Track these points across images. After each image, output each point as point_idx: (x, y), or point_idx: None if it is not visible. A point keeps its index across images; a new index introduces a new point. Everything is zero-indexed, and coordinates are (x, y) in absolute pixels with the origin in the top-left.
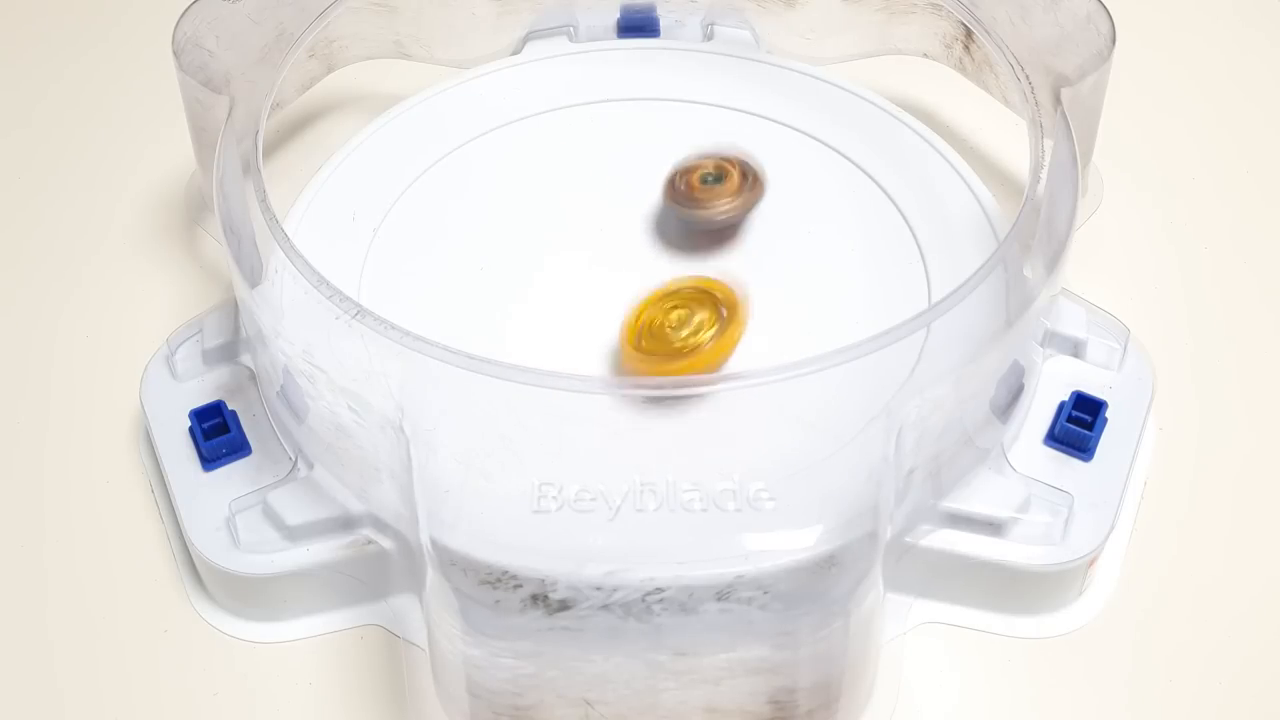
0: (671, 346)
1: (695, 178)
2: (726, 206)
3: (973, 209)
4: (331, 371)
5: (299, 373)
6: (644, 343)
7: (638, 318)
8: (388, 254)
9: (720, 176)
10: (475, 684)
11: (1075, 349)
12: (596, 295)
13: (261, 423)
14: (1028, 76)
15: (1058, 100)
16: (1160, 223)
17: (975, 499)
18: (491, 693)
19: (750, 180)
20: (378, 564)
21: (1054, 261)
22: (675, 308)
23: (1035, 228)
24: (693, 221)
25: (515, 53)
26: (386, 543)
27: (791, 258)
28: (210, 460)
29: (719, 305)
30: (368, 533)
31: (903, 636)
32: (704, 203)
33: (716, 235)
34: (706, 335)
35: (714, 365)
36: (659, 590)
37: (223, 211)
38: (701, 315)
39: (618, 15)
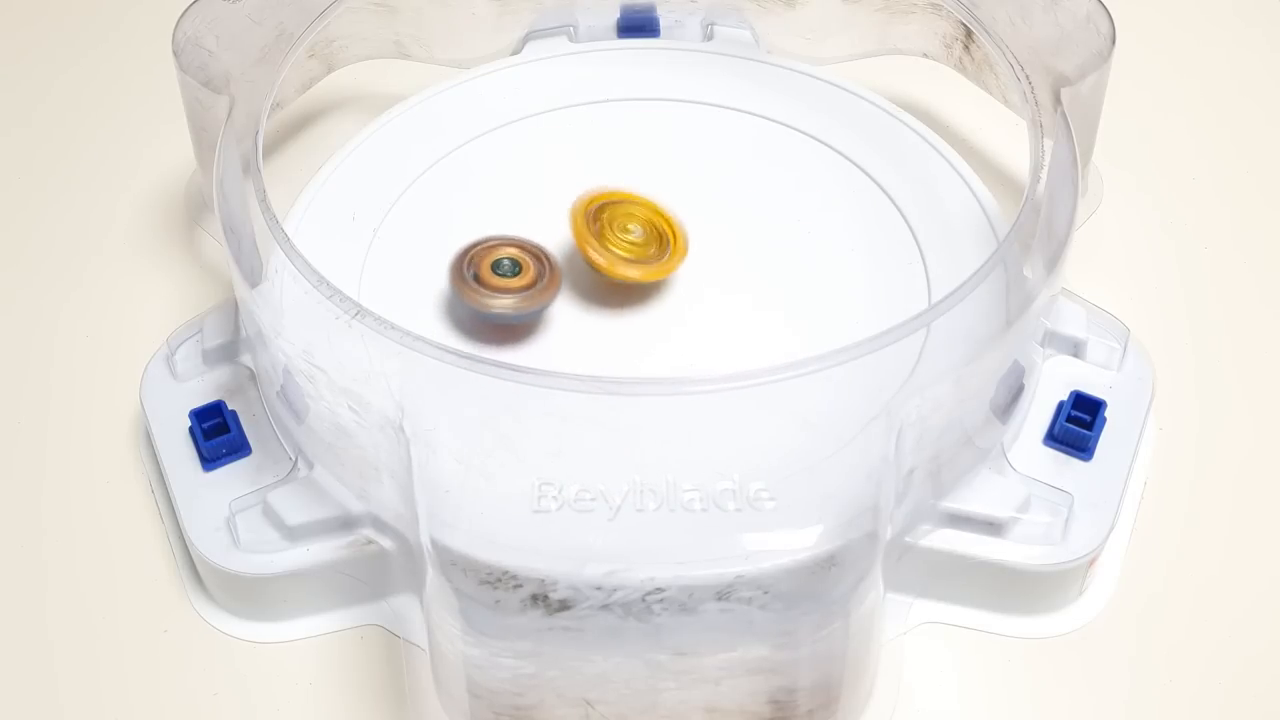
0: (612, 250)
1: (488, 264)
2: (511, 303)
3: (973, 209)
4: (331, 371)
5: (299, 373)
6: (594, 228)
7: (591, 201)
8: (388, 254)
9: (516, 267)
10: (475, 684)
11: (1075, 349)
12: (596, 295)
13: (261, 423)
14: (1028, 76)
15: (1058, 100)
16: (1160, 223)
17: (975, 499)
18: (491, 693)
19: (546, 277)
20: (378, 564)
21: (1054, 261)
22: (630, 222)
23: (1035, 228)
24: (478, 311)
25: (515, 53)
26: (386, 543)
27: (791, 258)
28: (210, 460)
29: (664, 239)
30: (368, 533)
31: (903, 636)
32: (492, 294)
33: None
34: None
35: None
36: (659, 590)
37: (223, 211)
38: (650, 242)
39: (618, 15)
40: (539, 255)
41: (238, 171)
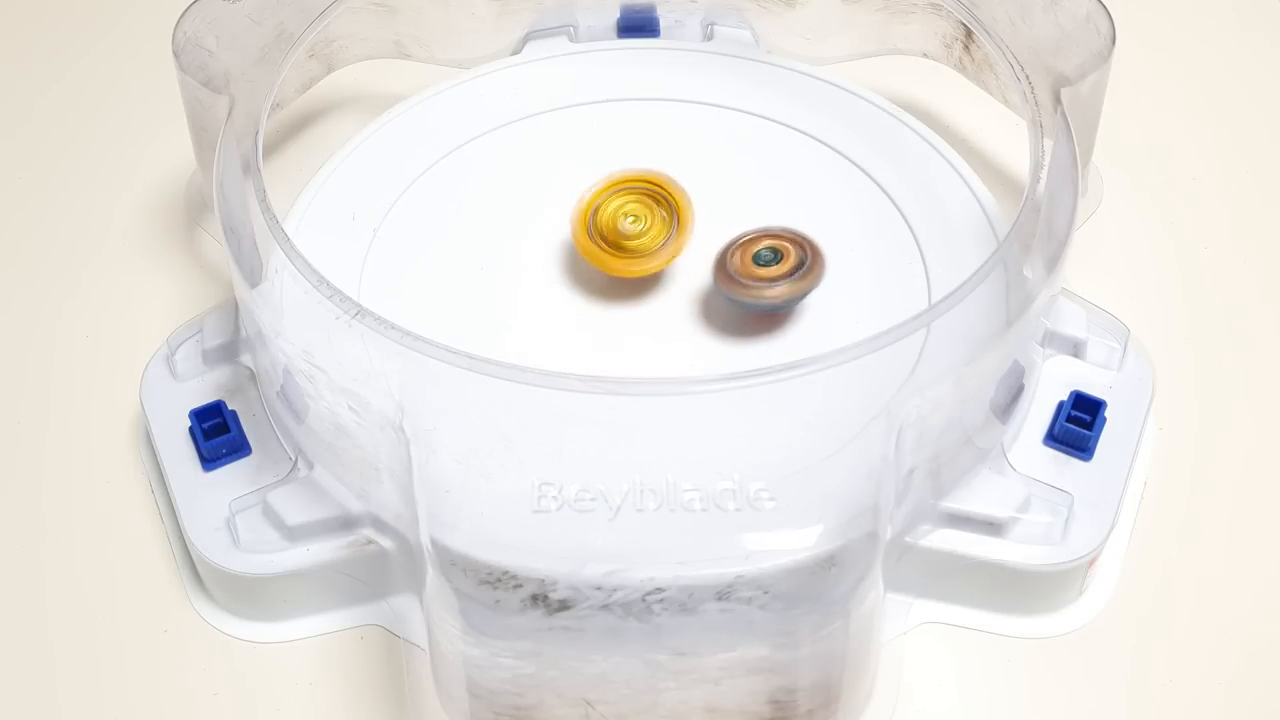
0: (625, 247)
1: (749, 256)
2: (777, 291)
3: (973, 209)
4: (331, 371)
5: (299, 373)
6: (598, 237)
7: (589, 207)
8: (388, 254)
9: (777, 256)
10: (475, 684)
11: (1075, 349)
12: (596, 295)
13: (261, 423)
14: (1028, 76)
15: (1058, 100)
16: (1160, 223)
17: (975, 499)
18: (491, 693)
19: (808, 264)
20: (378, 564)
21: (1054, 261)
22: (628, 203)
23: (1035, 228)
24: (742, 304)
25: (515, 53)
26: (386, 543)
27: None
28: (210, 460)
29: (669, 209)
30: (368, 533)
31: (903, 636)
32: (754, 285)
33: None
34: (658, 242)
35: (662, 265)
36: (659, 590)
37: (223, 211)
38: (653, 221)
39: (618, 15)
40: (799, 242)
41: (238, 171)
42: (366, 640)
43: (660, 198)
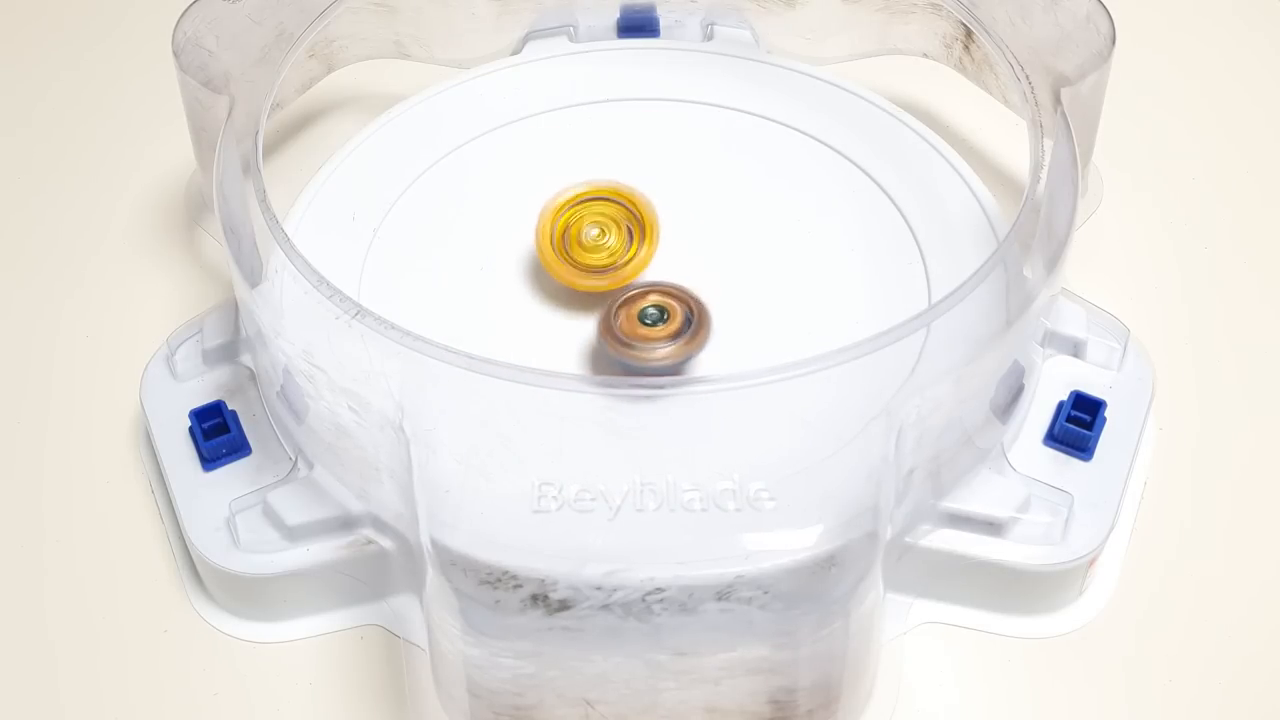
0: (587, 263)
1: (634, 314)
2: (664, 353)
3: (973, 209)
4: (331, 371)
5: (299, 373)
6: (561, 249)
7: (554, 219)
8: (388, 254)
9: (664, 315)
10: (475, 684)
11: (1075, 349)
12: (596, 295)
13: (261, 423)
14: (1028, 76)
15: (1058, 100)
16: (1160, 223)
17: (975, 499)
18: (491, 693)
19: (695, 325)
20: (378, 564)
21: (1054, 261)
22: (592, 221)
23: (1035, 228)
24: (627, 364)
25: (515, 53)
26: (386, 543)
27: (791, 258)
28: (210, 460)
29: (631, 224)
30: (368, 533)
31: (903, 636)
32: (640, 345)
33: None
34: (622, 258)
35: (625, 281)
36: (659, 590)
37: (223, 211)
38: (615, 236)
39: (618, 15)
40: (686, 300)
41: (238, 171)
42: (366, 640)
43: (628, 211)
